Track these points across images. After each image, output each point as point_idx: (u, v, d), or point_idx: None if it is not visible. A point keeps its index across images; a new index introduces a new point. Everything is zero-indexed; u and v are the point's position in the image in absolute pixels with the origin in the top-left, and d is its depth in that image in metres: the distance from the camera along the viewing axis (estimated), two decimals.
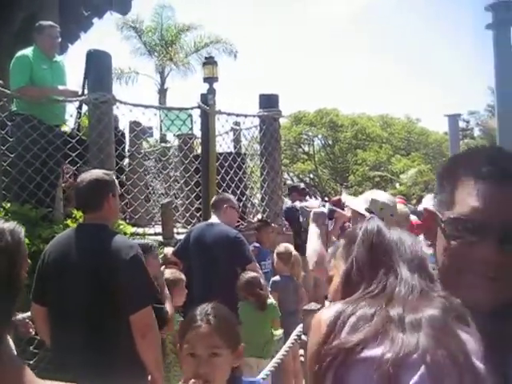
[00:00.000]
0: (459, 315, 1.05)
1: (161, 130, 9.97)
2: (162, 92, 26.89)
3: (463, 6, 73.66)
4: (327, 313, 1.14)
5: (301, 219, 8.46)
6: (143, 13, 26.80)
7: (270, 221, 6.66)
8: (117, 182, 3.17)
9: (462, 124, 31.08)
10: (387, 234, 1.30)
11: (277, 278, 5.49)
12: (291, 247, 5.62)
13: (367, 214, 3.21)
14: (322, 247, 3.11)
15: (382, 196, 3.25)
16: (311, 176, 29.69)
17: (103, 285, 2.74)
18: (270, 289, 5.18)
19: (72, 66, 6.88)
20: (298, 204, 8.73)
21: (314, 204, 9.36)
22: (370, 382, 1.00)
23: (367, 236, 1.29)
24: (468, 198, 1.07)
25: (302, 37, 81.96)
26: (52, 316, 2.91)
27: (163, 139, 10.60)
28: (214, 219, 4.92)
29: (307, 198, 11.67)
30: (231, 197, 5.25)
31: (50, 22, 5.70)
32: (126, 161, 7.40)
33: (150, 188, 7.88)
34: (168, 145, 8.38)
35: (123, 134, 7.32)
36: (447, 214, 1.11)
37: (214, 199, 5.15)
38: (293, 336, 3.52)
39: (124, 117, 6.56)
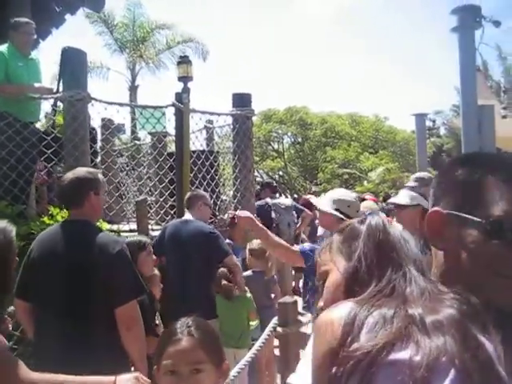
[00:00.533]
0: (477, 317, 1.00)
1: (134, 127, 10.03)
2: (133, 89, 26.74)
3: (430, 9, 74.84)
4: (339, 312, 1.07)
5: (273, 215, 8.59)
6: (115, 9, 26.55)
7: None
8: (103, 179, 3.23)
9: (428, 123, 31.71)
10: (391, 230, 1.28)
11: (248, 272, 5.64)
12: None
13: (336, 213, 3.40)
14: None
15: (345, 194, 3.48)
16: (281, 173, 29.86)
17: (89, 279, 2.79)
18: None
19: (44, 62, 6.89)
20: (269, 200, 8.85)
21: (285, 201, 9.53)
22: None
23: (373, 231, 1.27)
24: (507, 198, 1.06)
25: (273, 36, 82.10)
26: (37, 311, 2.95)
27: (135, 137, 10.64)
28: (187, 216, 5.02)
29: (277, 195, 11.87)
30: (205, 194, 5.35)
31: (26, 19, 5.72)
32: (99, 158, 7.44)
33: (124, 185, 7.93)
34: (141, 142, 8.42)
35: (96, 132, 7.37)
36: (487, 213, 1.06)
37: (188, 196, 5.21)
38: (268, 328, 3.66)
39: (97, 114, 6.62)
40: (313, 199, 7.55)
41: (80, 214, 3.02)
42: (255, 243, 5.63)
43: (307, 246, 3.66)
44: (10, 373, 1.98)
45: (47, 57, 14.47)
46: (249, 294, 4.93)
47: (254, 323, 5.01)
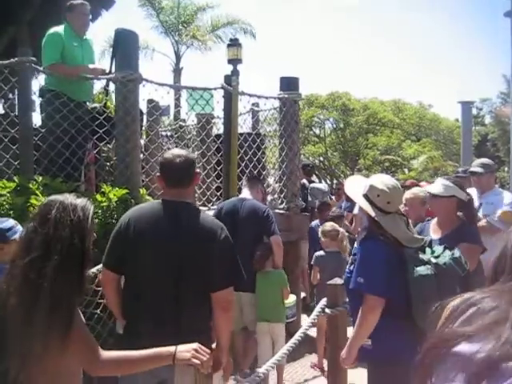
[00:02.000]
0: None
1: (175, 107, 10.11)
2: (177, 71, 26.91)
3: None
4: (456, 300, 1.09)
5: (309, 198, 8.67)
6: None
7: (287, 200, 6.87)
8: None
9: (474, 111, 31.04)
10: None
11: (321, 252, 6.03)
12: (336, 225, 6.17)
13: (362, 201, 3.18)
14: None
15: (383, 182, 3.16)
16: (321, 159, 29.73)
17: (194, 262, 2.87)
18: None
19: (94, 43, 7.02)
20: (306, 183, 8.93)
21: (322, 187, 9.66)
22: (451, 379, 0.96)
23: None
24: None
25: (316, 21, 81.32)
26: (132, 283, 3.00)
27: (177, 118, 10.72)
28: (245, 194, 5.40)
29: (313, 177, 12.05)
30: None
31: (81, 0, 5.82)
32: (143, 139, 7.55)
33: None
34: (187, 124, 8.51)
35: (142, 113, 7.47)
36: None
37: (250, 177, 5.65)
38: (317, 309, 3.71)
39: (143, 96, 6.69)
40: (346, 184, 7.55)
41: (183, 194, 3.02)
42: (328, 225, 6.06)
43: None
44: (87, 351, 2.07)
45: (96, 37, 14.68)
46: (281, 271, 5.22)
47: (290, 301, 5.31)
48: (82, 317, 2.10)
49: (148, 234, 2.93)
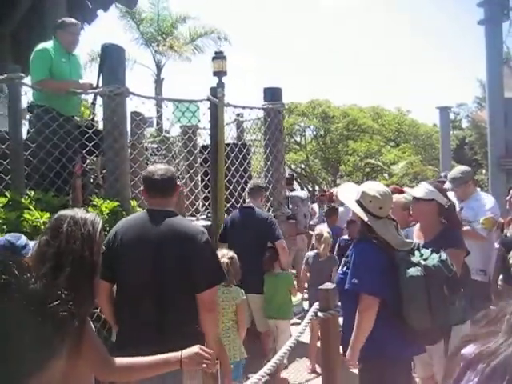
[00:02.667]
0: None
1: (159, 120, 10.17)
2: (159, 82, 26.97)
3: (455, 2, 74.03)
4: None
5: (290, 206, 8.93)
6: (142, 3, 26.80)
7: (274, 208, 7.00)
8: None
9: (451, 116, 31.49)
10: None
11: (311, 253, 6.45)
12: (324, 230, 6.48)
13: (355, 207, 3.36)
14: None
15: (375, 189, 3.34)
16: (303, 166, 29.94)
17: (178, 265, 3.09)
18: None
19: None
20: (286, 192, 9.22)
21: (301, 194, 10.01)
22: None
23: None
24: None
25: (296, 29, 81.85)
26: (121, 291, 3.24)
27: (160, 130, 10.81)
28: (250, 203, 5.92)
29: (296, 185, 12.50)
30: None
31: (73, 20, 5.94)
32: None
33: None
34: (172, 135, 8.61)
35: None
36: None
37: (255, 185, 6.04)
38: (310, 313, 3.82)
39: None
40: (336, 190, 7.90)
41: (167, 203, 3.30)
42: (318, 229, 6.51)
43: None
44: (98, 358, 2.17)
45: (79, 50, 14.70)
46: (288, 272, 5.84)
47: (295, 299, 5.99)
48: (93, 326, 2.20)
49: (132, 242, 3.20)
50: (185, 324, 3.08)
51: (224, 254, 4.41)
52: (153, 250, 3.12)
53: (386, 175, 28.70)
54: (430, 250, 3.26)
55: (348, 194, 3.53)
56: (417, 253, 3.22)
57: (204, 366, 2.20)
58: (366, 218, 3.26)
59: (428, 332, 3.10)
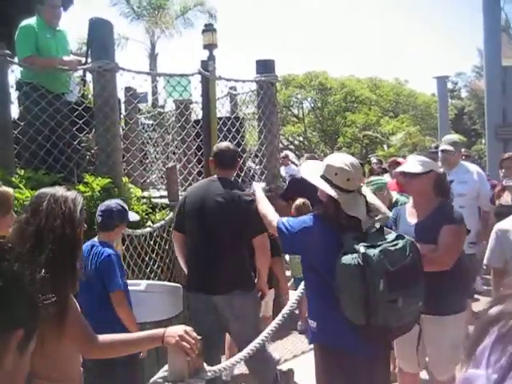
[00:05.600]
0: None
1: (153, 94, 10.11)
2: (153, 57, 26.73)
3: None
4: None
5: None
6: None
7: (268, 181, 6.96)
8: None
9: (449, 85, 31.29)
10: None
11: None
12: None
13: (320, 182, 2.96)
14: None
15: (340, 160, 2.95)
16: (301, 139, 29.86)
17: (234, 218, 4.05)
18: None
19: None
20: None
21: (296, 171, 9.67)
22: None
23: None
24: None
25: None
26: (189, 241, 4.23)
27: (158, 105, 10.75)
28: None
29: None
30: None
31: None
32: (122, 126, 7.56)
33: (152, 153, 8.10)
34: (166, 110, 8.54)
35: (119, 101, 7.47)
36: None
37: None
38: (299, 289, 3.77)
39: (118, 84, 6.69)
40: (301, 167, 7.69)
41: (230, 174, 4.31)
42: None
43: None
44: (82, 336, 2.16)
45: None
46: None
47: None
48: (77, 304, 2.18)
49: (198, 201, 4.17)
50: (240, 264, 4.10)
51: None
52: (213, 208, 4.08)
53: (384, 146, 28.65)
54: (395, 234, 2.87)
55: (311, 169, 3.10)
56: (379, 236, 2.82)
57: (186, 346, 2.14)
58: (333, 193, 2.84)
59: (373, 330, 2.71)
